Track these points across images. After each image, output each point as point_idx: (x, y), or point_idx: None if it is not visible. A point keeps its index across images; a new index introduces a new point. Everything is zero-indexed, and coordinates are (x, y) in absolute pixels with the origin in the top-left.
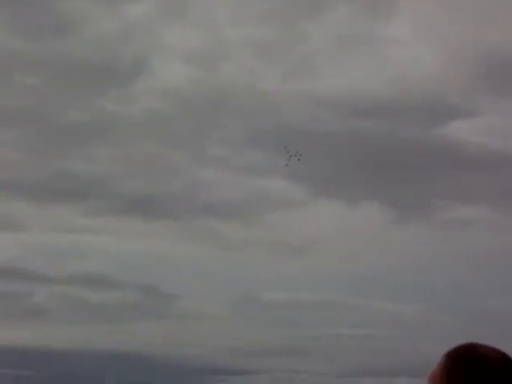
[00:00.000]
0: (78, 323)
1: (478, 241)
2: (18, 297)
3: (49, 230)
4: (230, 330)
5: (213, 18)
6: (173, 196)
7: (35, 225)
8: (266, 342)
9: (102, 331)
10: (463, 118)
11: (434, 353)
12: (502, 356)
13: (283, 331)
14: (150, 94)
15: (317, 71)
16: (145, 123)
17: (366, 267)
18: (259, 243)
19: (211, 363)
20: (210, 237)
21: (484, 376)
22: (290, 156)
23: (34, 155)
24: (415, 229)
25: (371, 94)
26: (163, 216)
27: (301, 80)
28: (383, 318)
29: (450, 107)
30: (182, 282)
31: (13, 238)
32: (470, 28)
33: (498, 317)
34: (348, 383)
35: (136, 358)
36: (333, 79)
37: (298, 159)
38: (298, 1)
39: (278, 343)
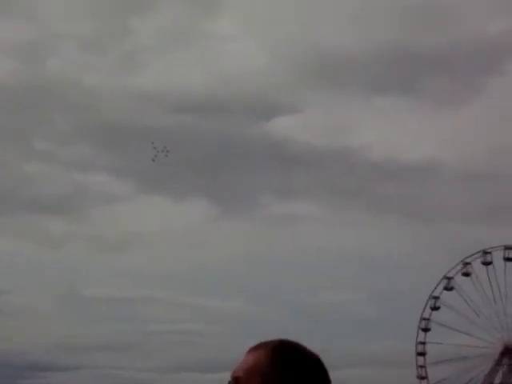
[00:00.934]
0: None
1: (304, 236)
2: None
3: None
4: (53, 326)
5: (38, 10)
6: None
7: None
8: (89, 337)
9: None
10: (288, 114)
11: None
12: (317, 356)
13: (106, 327)
14: None
15: (142, 66)
16: None
17: (188, 263)
18: (83, 239)
19: (34, 359)
20: (33, 232)
21: (306, 371)
22: (157, 152)
23: None
24: (240, 225)
25: (196, 90)
26: None
27: (126, 75)
28: (205, 314)
29: (274, 104)
30: (6, 277)
31: None
32: (298, 26)
33: (321, 312)
34: (169, 379)
35: None
36: (158, 75)
37: (166, 155)
38: None
39: (101, 339)
